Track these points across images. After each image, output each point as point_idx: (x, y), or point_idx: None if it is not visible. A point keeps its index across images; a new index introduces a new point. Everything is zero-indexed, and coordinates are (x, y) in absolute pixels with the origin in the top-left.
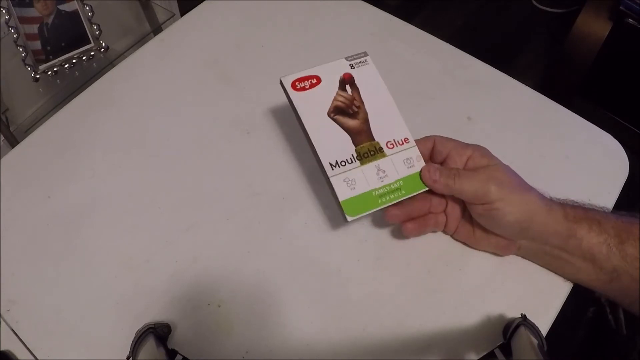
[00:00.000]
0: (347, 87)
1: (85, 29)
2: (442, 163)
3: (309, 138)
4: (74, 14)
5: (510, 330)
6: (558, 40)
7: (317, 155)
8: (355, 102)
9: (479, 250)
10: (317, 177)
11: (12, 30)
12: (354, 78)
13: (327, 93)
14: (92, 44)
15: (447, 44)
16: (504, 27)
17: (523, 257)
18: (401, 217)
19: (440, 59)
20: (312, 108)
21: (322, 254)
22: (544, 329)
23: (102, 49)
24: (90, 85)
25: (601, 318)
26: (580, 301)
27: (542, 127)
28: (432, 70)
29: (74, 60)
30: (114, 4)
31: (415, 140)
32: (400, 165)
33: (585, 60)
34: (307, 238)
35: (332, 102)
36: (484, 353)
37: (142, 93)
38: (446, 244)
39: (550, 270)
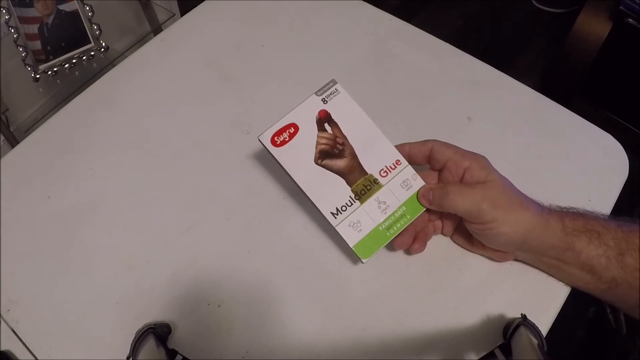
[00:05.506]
0: (326, 125)
1: (85, 29)
2: (440, 171)
3: (304, 192)
4: (74, 14)
5: (510, 330)
6: (558, 40)
7: (316, 207)
8: (338, 139)
9: (477, 254)
10: None
11: (12, 30)
12: (330, 114)
13: (308, 139)
14: (92, 44)
15: (447, 44)
16: (504, 27)
17: (522, 261)
18: (409, 242)
19: (440, 59)
20: (298, 160)
21: (322, 254)
22: (544, 329)
23: (102, 49)
24: (90, 85)
25: (601, 318)
26: (580, 301)
27: (542, 127)
28: (432, 70)
29: (74, 60)
30: (114, 4)
31: (412, 143)
32: (399, 190)
33: (585, 60)
34: (307, 238)
35: (316, 148)
36: (484, 353)
37: (142, 93)
38: (446, 245)
39: (549, 275)
